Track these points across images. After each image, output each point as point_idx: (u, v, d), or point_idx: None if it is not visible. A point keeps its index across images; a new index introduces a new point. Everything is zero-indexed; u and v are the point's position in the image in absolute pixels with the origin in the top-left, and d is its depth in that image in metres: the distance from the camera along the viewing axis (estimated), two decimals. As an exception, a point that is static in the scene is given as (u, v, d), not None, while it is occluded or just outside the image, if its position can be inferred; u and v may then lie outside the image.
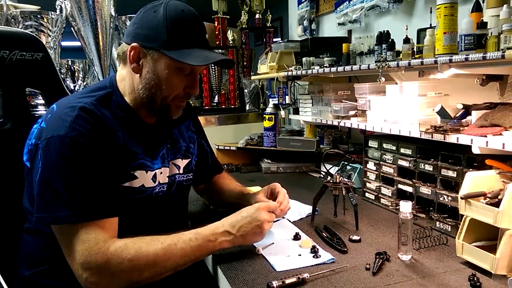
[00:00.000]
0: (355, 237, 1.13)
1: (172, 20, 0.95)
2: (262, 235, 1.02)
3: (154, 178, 1.04)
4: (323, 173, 1.85)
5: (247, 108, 2.62)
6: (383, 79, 1.31)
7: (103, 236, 0.87)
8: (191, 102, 2.47)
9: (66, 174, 0.87)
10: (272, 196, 1.21)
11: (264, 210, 1.02)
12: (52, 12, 1.93)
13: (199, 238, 0.94)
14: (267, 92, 2.62)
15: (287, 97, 2.10)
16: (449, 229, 1.15)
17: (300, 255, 1.04)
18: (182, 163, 1.16)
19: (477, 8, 1.10)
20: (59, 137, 0.89)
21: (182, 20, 0.96)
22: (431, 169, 1.22)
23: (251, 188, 1.57)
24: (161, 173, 1.07)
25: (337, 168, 1.72)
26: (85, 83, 2.41)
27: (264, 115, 2.05)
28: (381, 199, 1.44)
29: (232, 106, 2.63)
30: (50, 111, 0.98)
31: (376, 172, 1.46)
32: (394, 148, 1.37)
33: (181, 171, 1.15)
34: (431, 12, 1.30)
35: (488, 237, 0.97)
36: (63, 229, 0.89)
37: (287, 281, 0.88)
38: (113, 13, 2.05)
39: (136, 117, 1.04)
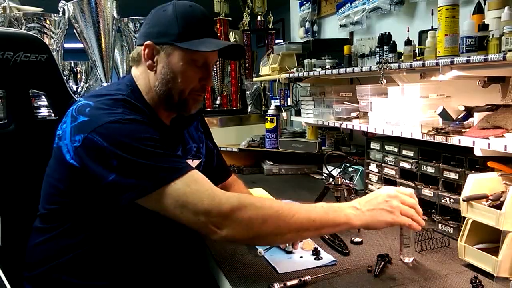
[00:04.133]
0: (357, 239, 1.13)
1: (182, 14, 0.98)
2: (390, 212, 0.92)
3: None
4: (325, 175, 1.85)
5: (249, 109, 2.62)
6: (384, 81, 1.32)
7: (210, 185, 0.88)
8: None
9: (141, 148, 0.87)
10: None
11: (395, 196, 0.94)
12: (55, 14, 1.93)
13: (325, 206, 0.92)
14: (269, 93, 2.62)
15: (289, 98, 2.10)
16: (451, 231, 1.15)
17: (301, 257, 1.04)
18: (193, 163, 1.16)
19: (479, 10, 1.10)
20: (116, 121, 0.89)
21: (191, 13, 0.99)
22: (433, 171, 1.22)
23: (253, 190, 1.57)
24: None
25: (339, 170, 1.73)
26: (87, 84, 2.42)
27: (266, 117, 2.06)
28: (383, 201, 1.43)
29: (234, 108, 2.63)
30: (86, 106, 0.94)
31: (378, 174, 1.46)
32: (396, 150, 1.37)
33: None
34: (432, 14, 1.31)
35: (491, 239, 0.97)
36: (163, 192, 0.86)
37: (289, 283, 0.88)
38: (115, 15, 2.05)
39: (156, 117, 1.05)
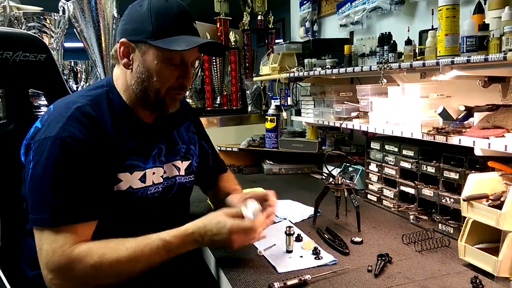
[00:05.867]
0: (357, 239, 1.13)
1: (156, 11, 0.96)
2: (231, 248, 0.96)
3: (143, 178, 1.02)
4: (325, 175, 1.85)
5: (249, 109, 2.62)
6: (385, 80, 1.31)
7: (72, 239, 0.86)
8: (192, 103, 2.49)
9: (53, 175, 0.87)
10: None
11: (237, 234, 0.94)
12: (55, 14, 1.93)
13: (166, 246, 0.91)
14: (269, 93, 2.62)
15: (289, 98, 2.10)
16: (452, 231, 1.15)
17: (301, 256, 1.04)
18: (183, 165, 1.15)
19: (479, 10, 1.10)
20: (50, 139, 0.89)
21: (166, 9, 0.97)
22: (433, 171, 1.22)
23: (253, 189, 1.56)
24: (154, 173, 1.05)
25: (339, 170, 1.73)
26: (87, 84, 2.42)
27: (266, 117, 2.06)
28: (383, 201, 1.43)
29: (234, 108, 2.63)
30: (47, 112, 0.98)
31: (378, 174, 1.46)
32: (396, 149, 1.37)
33: (182, 173, 1.14)
34: (432, 14, 1.31)
35: (491, 239, 0.97)
36: (40, 229, 0.88)
37: (289, 282, 0.88)
38: (115, 14, 2.05)
39: (133, 115, 1.04)
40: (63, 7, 1.97)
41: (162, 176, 1.08)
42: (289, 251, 1.06)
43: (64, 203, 0.87)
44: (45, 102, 1.45)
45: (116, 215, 0.97)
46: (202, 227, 0.94)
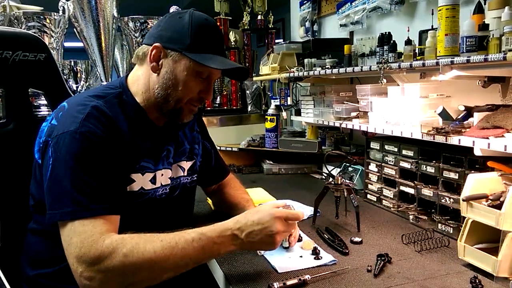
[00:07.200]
0: (357, 239, 1.13)
1: (196, 26, 0.99)
2: (273, 245, 0.93)
3: (153, 179, 1.03)
4: (325, 175, 1.85)
5: (249, 109, 2.62)
6: (384, 80, 1.32)
7: (100, 229, 0.85)
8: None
9: (73, 169, 0.87)
10: None
11: (280, 220, 0.92)
12: (55, 13, 1.93)
13: (203, 239, 0.87)
14: (269, 93, 2.62)
15: (289, 98, 2.10)
16: (451, 231, 1.15)
17: (301, 256, 1.04)
18: (187, 165, 1.16)
19: (479, 10, 1.10)
20: (69, 133, 0.90)
21: (205, 27, 1.01)
22: (433, 171, 1.22)
23: (253, 189, 1.57)
24: (162, 175, 1.07)
25: (338, 170, 1.73)
26: (87, 83, 2.42)
27: (266, 116, 2.06)
28: (383, 201, 1.43)
29: (234, 107, 2.63)
30: (61, 109, 0.98)
31: (378, 174, 1.46)
32: (396, 149, 1.37)
33: (185, 173, 1.15)
34: (432, 14, 1.31)
35: (490, 239, 0.97)
36: (64, 224, 0.87)
37: (288, 282, 0.88)
38: (115, 14, 2.05)
39: (146, 118, 1.05)
40: (63, 7, 1.97)
41: (169, 178, 1.10)
42: (285, 247, 1.06)
43: (87, 195, 0.87)
44: (45, 102, 1.45)
45: (126, 215, 0.97)
46: (243, 218, 0.92)
